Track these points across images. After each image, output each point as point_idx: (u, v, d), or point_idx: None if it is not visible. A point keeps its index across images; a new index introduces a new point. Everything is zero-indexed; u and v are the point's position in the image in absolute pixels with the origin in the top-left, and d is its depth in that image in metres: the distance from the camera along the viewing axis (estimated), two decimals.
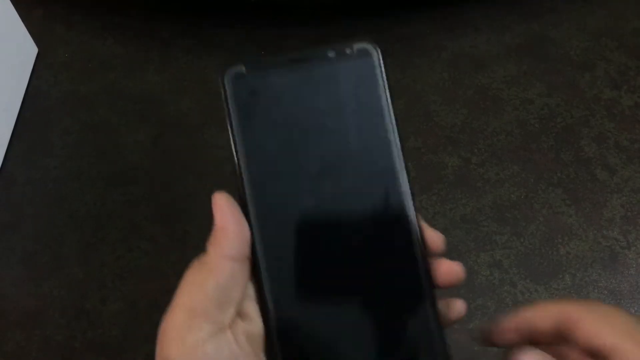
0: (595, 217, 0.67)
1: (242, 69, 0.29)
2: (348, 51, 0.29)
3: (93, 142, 0.75)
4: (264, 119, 0.28)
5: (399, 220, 0.28)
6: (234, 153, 0.28)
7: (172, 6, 0.84)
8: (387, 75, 0.29)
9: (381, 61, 0.29)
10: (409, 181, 0.29)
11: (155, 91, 0.78)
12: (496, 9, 0.81)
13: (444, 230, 0.67)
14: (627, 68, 0.76)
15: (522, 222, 0.67)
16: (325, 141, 0.28)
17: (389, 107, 0.29)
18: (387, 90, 0.29)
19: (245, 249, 0.26)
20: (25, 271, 0.67)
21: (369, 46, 0.29)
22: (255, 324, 0.26)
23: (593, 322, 0.24)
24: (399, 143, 0.29)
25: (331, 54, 0.29)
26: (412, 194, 0.28)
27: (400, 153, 0.29)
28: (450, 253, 0.67)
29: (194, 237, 0.66)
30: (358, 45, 0.29)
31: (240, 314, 0.25)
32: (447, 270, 0.27)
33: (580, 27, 0.79)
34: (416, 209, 0.28)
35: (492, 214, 0.67)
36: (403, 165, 0.29)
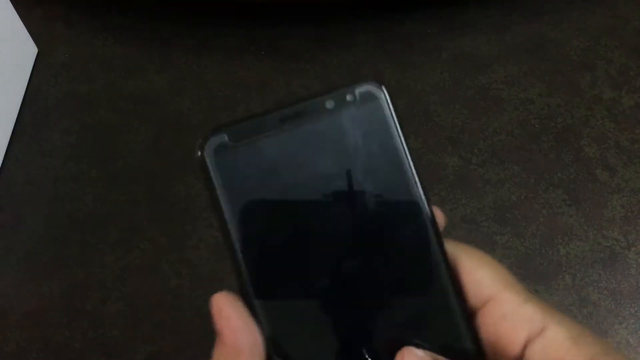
0: (595, 218, 0.67)
1: (225, 137, 0.24)
2: (349, 97, 0.24)
3: (93, 142, 0.75)
4: (260, 196, 0.24)
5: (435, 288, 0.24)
6: (229, 243, 0.23)
7: (172, 6, 0.84)
8: (399, 119, 0.24)
9: (390, 103, 0.25)
10: (436, 230, 0.24)
11: (156, 91, 0.78)
12: (496, 9, 0.81)
13: (444, 231, 0.67)
14: (627, 68, 0.76)
15: (523, 222, 0.67)
16: (339, 210, 0.24)
17: (407, 156, 0.25)
18: (402, 137, 0.25)
19: None
20: (25, 271, 0.67)
21: (373, 87, 0.25)
22: None
23: (475, 269, 0.25)
24: (423, 196, 0.24)
25: (329, 105, 0.24)
26: (441, 245, 0.24)
27: (427, 207, 0.24)
28: None
29: (194, 237, 0.66)
30: (360, 89, 0.25)
31: None
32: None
33: (581, 27, 0.79)
34: (449, 267, 0.24)
35: (492, 215, 0.67)
36: (431, 220, 0.24)
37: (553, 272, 0.64)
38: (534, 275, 0.64)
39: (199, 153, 0.24)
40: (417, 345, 0.24)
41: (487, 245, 0.66)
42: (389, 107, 0.25)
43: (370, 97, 0.25)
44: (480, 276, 0.24)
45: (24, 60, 0.79)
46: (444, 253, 0.24)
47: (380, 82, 0.25)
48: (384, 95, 0.25)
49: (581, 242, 0.66)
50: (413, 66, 0.78)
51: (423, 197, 0.24)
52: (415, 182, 0.24)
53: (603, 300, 0.63)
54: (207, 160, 0.24)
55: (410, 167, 0.25)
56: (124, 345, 0.62)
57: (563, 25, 0.80)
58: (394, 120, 0.25)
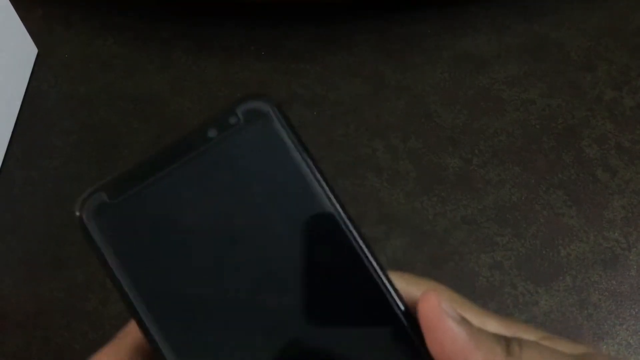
0: (596, 219, 0.67)
1: (104, 196, 0.22)
2: (232, 120, 0.21)
3: (93, 143, 0.75)
4: (157, 254, 0.21)
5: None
6: (135, 316, 0.21)
7: (172, 6, 0.84)
8: (295, 133, 0.21)
9: (281, 118, 0.21)
10: (365, 247, 0.21)
11: (156, 91, 0.78)
12: (497, 9, 0.81)
13: (444, 232, 0.68)
14: (628, 69, 0.76)
15: (523, 223, 0.67)
16: (248, 250, 0.21)
17: (312, 174, 0.21)
18: (303, 153, 0.21)
19: None
20: (25, 272, 0.67)
21: (257, 104, 0.21)
22: None
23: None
24: (344, 215, 0.21)
25: (211, 133, 0.21)
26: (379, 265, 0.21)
27: (351, 227, 0.21)
28: (451, 255, 0.67)
29: None
30: (243, 107, 0.21)
31: None
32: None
33: (582, 27, 0.79)
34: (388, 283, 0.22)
35: (493, 215, 0.67)
36: (362, 245, 0.21)
37: (553, 273, 0.64)
38: (534, 277, 0.64)
39: (78, 217, 0.22)
40: None
41: (487, 246, 0.65)
42: (281, 122, 0.21)
43: (256, 115, 0.21)
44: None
45: (24, 61, 0.79)
46: (377, 270, 0.22)
47: (264, 95, 0.22)
48: (272, 110, 0.21)
49: (582, 243, 0.65)
50: (413, 66, 0.78)
51: (344, 216, 0.21)
52: (330, 199, 0.21)
53: (604, 302, 0.63)
54: (89, 226, 0.21)
55: (321, 185, 0.21)
56: None
57: (564, 25, 0.80)
58: (289, 137, 0.21)
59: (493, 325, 0.24)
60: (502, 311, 0.61)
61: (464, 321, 0.21)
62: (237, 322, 0.21)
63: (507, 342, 0.22)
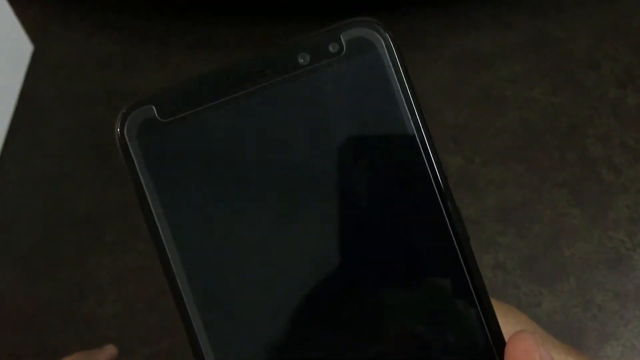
0: (600, 219, 0.66)
1: (153, 111, 0.17)
2: (332, 48, 0.16)
3: (89, 142, 0.74)
4: (204, 194, 0.17)
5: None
6: (163, 259, 0.17)
7: (169, 4, 0.84)
8: (408, 78, 0.17)
9: (395, 54, 0.17)
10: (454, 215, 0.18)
11: (152, 89, 0.77)
12: (500, 7, 0.80)
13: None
14: (632, 66, 0.76)
15: (526, 223, 0.66)
16: (315, 212, 0.17)
17: (422, 135, 0.17)
18: (414, 104, 0.17)
19: None
20: (21, 273, 0.66)
21: (367, 31, 0.17)
22: None
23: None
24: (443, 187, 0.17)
25: (303, 59, 0.16)
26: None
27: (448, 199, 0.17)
28: None
29: None
30: (349, 34, 0.17)
31: None
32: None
33: (585, 25, 0.79)
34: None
35: (495, 215, 0.67)
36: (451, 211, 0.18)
37: (557, 273, 0.63)
38: (538, 277, 0.63)
39: (118, 132, 0.17)
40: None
41: (490, 246, 0.65)
42: (393, 61, 0.17)
43: (363, 47, 0.17)
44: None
45: (20, 58, 0.79)
46: (467, 254, 0.18)
47: (376, 21, 0.17)
48: (384, 42, 0.17)
49: (586, 243, 0.65)
50: (415, 64, 0.77)
51: (442, 186, 0.18)
52: (432, 168, 0.17)
53: (608, 302, 0.62)
54: (130, 143, 0.17)
55: (428, 153, 0.17)
56: (121, 348, 0.61)
57: (567, 23, 0.79)
58: (400, 81, 0.17)
59: None
60: None
61: None
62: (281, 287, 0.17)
63: None
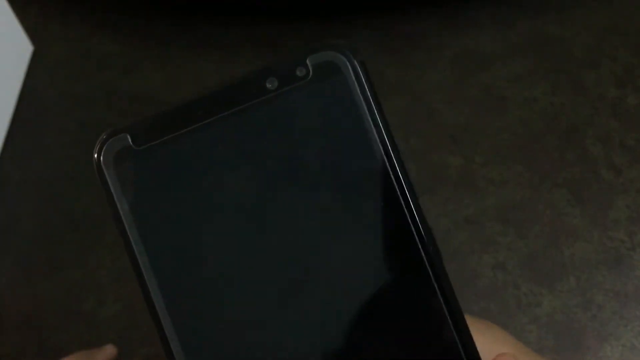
0: (600, 218, 0.66)
1: (127, 140, 0.17)
2: (300, 72, 0.17)
3: (89, 142, 0.74)
4: (179, 218, 0.17)
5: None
6: (141, 283, 0.18)
7: (169, 4, 0.84)
8: (376, 101, 0.16)
9: (361, 79, 0.17)
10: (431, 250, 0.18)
11: (153, 90, 0.77)
12: (500, 7, 0.80)
13: (447, 232, 0.67)
14: (632, 66, 0.76)
15: (526, 223, 0.66)
16: (288, 233, 0.17)
17: (391, 158, 0.17)
18: (383, 127, 0.16)
19: None
20: (21, 273, 0.66)
21: (333, 55, 0.17)
22: None
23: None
24: (415, 212, 0.17)
25: (271, 84, 0.17)
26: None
27: (422, 224, 0.17)
28: (453, 255, 0.66)
29: None
30: (315, 58, 0.17)
31: None
32: None
33: (585, 24, 0.79)
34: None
35: (495, 215, 0.67)
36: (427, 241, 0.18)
37: (557, 273, 0.63)
38: (538, 277, 0.63)
39: (95, 160, 0.18)
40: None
41: (490, 246, 0.65)
42: (360, 84, 0.16)
43: (330, 71, 0.17)
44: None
45: (20, 59, 0.79)
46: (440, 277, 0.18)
47: (344, 45, 0.17)
48: (351, 66, 0.16)
49: (586, 243, 0.65)
50: (415, 64, 0.77)
51: (415, 214, 0.17)
52: (403, 190, 0.17)
53: (608, 302, 0.62)
54: (106, 170, 0.18)
55: (397, 175, 0.17)
56: (121, 348, 0.61)
57: (567, 23, 0.79)
58: (368, 105, 0.16)
59: None
60: (504, 312, 0.61)
61: None
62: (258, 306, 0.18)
63: None
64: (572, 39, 0.78)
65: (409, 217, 0.18)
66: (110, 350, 0.50)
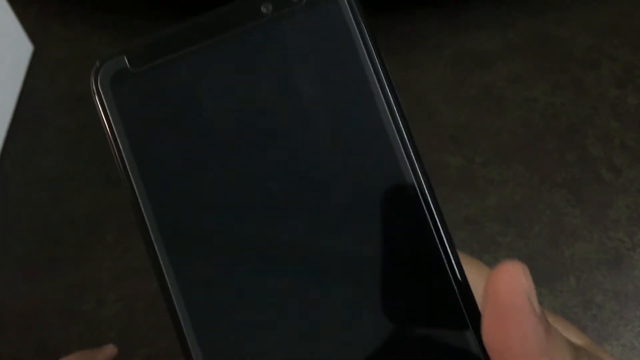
0: (600, 218, 0.66)
1: (124, 62, 0.18)
2: None
3: (90, 142, 0.74)
4: (175, 141, 0.18)
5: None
6: (137, 211, 0.18)
7: (169, 4, 0.83)
8: (369, 30, 0.18)
9: (355, 6, 0.18)
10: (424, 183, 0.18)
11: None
12: (499, 6, 0.80)
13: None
14: (633, 66, 0.75)
15: (526, 223, 0.66)
16: (282, 154, 0.17)
17: (377, 81, 0.17)
18: (375, 56, 0.18)
19: None
20: (20, 273, 0.66)
21: None
22: None
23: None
24: (403, 148, 0.18)
25: (265, 8, 0.17)
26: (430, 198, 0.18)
27: (411, 161, 0.18)
28: None
29: None
30: None
31: None
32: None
33: (585, 24, 0.78)
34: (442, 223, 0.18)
35: (495, 215, 0.66)
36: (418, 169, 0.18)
37: (557, 273, 0.63)
38: (538, 277, 0.63)
39: (92, 84, 0.18)
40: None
41: (490, 246, 0.65)
42: (353, 13, 0.18)
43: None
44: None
45: (19, 59, 0.79)
46: (437, 225, 0.18)
47: None
48: None
49: (586, 243, 0.65)
50: (415, 64, 0.77)
51: (406, 138, 0.18)
52: (393, 113, 0.18)
53: (608, 302, 0.62)
54: (103, 93, 0.18)
55: (385, 105, 0.18)
56: (121, 348, 0.61)
57: (567, 22, 0.79)
58: (360, 33, 0.18)
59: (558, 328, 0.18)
60: None
61: (543, 315, 0.16)
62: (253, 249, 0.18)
63: (576, 354, 0.17)
64: (572, 39, 0.78)
65: (399, 140, 0.18)
66: (110, 350, 0.50)
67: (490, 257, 0.64)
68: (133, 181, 0.18)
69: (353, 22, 0.18)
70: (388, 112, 0.18)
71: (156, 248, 0.19)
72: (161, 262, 0.19)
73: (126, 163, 0.19)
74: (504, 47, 0.78)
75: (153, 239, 0.19)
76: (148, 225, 0.18)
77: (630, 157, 0.70)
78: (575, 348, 0.17)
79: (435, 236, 0.18)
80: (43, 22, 0.83)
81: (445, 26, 0.80)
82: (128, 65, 0.18)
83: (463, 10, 0.81)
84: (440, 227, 0.18)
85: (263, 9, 0.17)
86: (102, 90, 0.18)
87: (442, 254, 0.18)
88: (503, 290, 0.16)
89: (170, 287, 0.19)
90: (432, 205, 0.19)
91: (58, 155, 0.73)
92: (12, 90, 0.77)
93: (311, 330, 0.18)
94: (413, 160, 0.19)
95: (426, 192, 0.19)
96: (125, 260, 0.66)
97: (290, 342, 0.18)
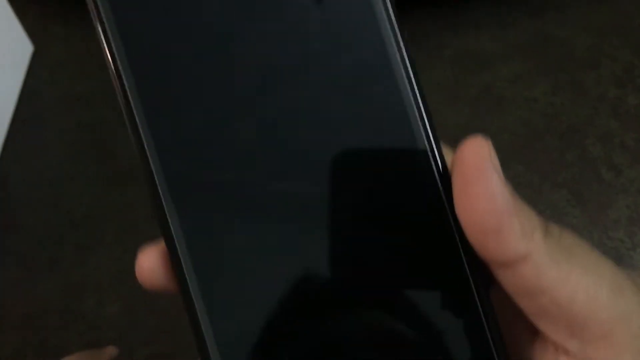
0: (600, 218, 0.66)
1: None
2: None
3: (90, 142, 0.74)
4: (175, 47, 0.16)
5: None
6: (131, 122, 0.17)
7: None
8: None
9: None
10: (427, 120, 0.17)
11: None
12: (500, 7, 0.80)
13: None
14: (632, 66, 0.75)
15: None
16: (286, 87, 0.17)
17: (390, 27, 0.17)
18: (392, 14, 0.17)
19: None
20: (21, 273, 0.66)
21: None
22: None
23: None
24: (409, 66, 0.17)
25: None
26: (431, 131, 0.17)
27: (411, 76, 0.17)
28: None
29: None
30: None
31: None
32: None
33: (585, 24, 0.78)
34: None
35: None
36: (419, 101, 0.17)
37: None
38: None
39: None
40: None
41: None
42: None
43: None
44: None
45: (19, 59, 0.79)
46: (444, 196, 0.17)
47: None
48: None
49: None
50: (415, 64, 0.77)
51: (418, 95, 0.17)
52: (407, 84, 0.17)
53: None
54: None
55: (398, 44, 0.17)
56: (121, 348, 0.61)
57: (567, 22, 0.79)
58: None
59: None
60: None
61: (506, 181, 0.17)
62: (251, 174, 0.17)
63: (545, 221, 0.18)
64: (572, 39, 0.78)
65: (411, 97, 0.18)
66: (110, 350, 0.50)
67: None
68: (127, 87, 0.17)
69: None
70: (403, 73, 0.17)
71: (147, 151, 0.18)
72: (153, 169, 0.18)
73: (118, 62, 0.17)
74: (504, 47, 0.78)
75: (142, 136, 0.18)
76: (139, 126, 0.17)
77: (630, 157, 0.70)
78: (542, 219, 0.18)
79: (442, 189, 0.18)
80: (43, 22, 0.83)
81: (445, 26, 0.80)
82: None
83: (463, 10, 0.81)
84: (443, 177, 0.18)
85: None
86: None
87: (450, 217, 0.18)
88: (467, 155, 0.17)
89: (161, 193, 0.18)
90: (442, 169, 0.18)
91: (58, 155, 0.73)
92: (12, 90, 0.77)
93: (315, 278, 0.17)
94: (423, 115, 0.19)
95: (436, 153, 0.19)
96: (125, 260, 0.66)
97: (295, 291, 0.17)
